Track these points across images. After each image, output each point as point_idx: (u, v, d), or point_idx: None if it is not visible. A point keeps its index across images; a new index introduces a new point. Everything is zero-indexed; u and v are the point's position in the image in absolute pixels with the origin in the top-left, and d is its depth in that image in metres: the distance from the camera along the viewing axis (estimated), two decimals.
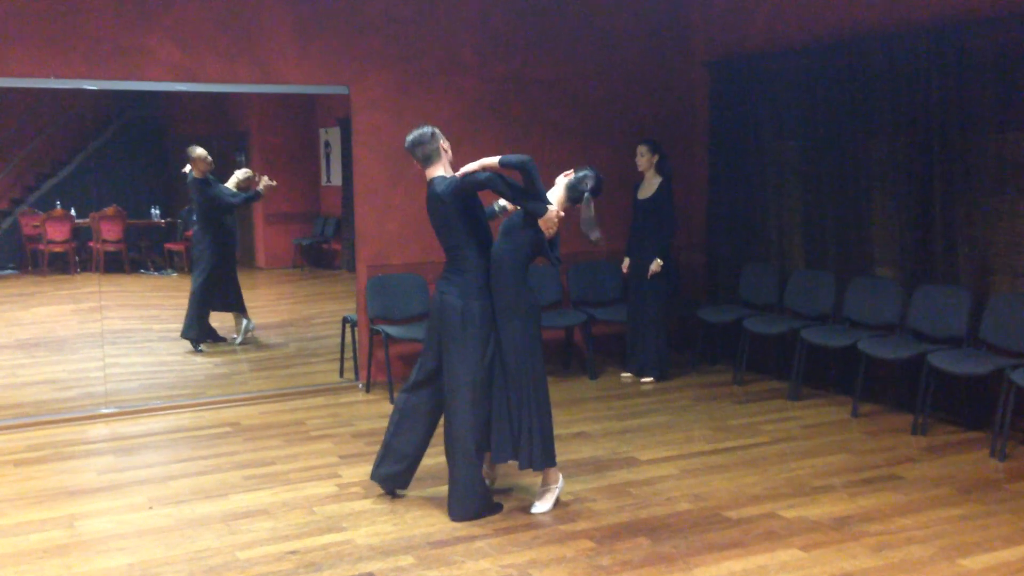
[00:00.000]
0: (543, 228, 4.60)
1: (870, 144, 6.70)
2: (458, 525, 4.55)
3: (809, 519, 4.59)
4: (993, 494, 4.91)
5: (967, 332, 5.96)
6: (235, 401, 6.81)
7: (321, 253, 13.54)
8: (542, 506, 4.73)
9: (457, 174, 4.59)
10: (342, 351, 7.55)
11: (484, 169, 4.53)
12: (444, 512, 4.69)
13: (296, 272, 13.33)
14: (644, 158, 7.23)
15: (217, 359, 8.16)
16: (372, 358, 7.18)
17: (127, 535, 4.48)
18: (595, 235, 4.69)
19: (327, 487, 5.11)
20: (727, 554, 4.20)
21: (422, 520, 4.63)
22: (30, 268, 12.93)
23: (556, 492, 4.79)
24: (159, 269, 13.43)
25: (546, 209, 4.55)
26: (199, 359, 8.11)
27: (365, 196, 7.26)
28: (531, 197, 4.55)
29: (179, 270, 13.28)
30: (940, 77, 6.10)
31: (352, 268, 12.26)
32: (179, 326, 9.73)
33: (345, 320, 7.57)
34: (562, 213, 4.65)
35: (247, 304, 9.25)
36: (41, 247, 12.99)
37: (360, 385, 7.22)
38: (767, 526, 4.51)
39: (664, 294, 7.21)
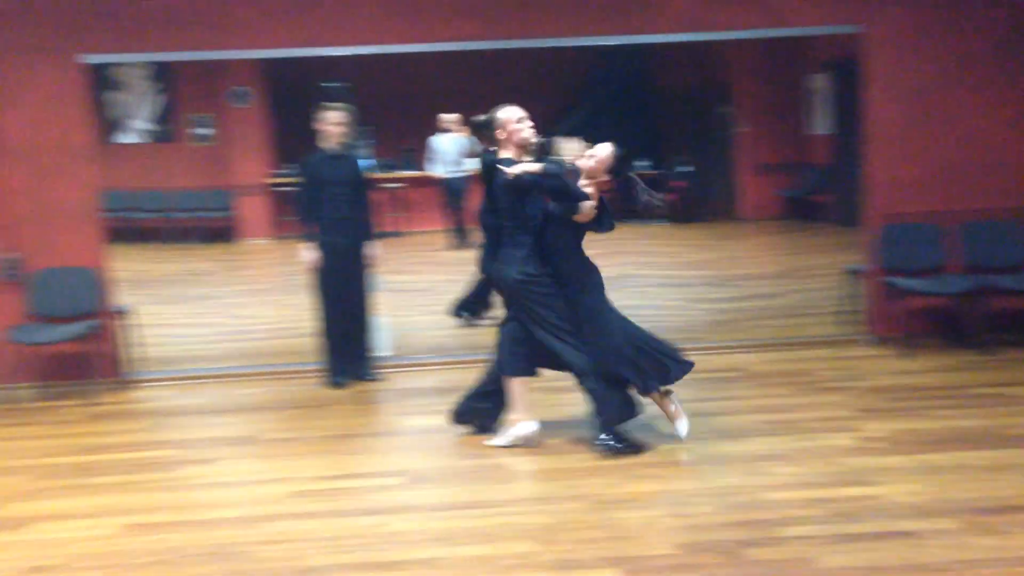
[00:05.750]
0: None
1: None
2: (1005, 495, 4.17)
3: None
4: None
5: None
6: (739, 348, 6.88)
7: (807, 205, 13.22)
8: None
9: (510, 171, 4.72)
10: (845, 304, 7.28)
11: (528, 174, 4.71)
12: (986, 479, 4.34)
13: (781, 224, 13.17)
14: None
15: (716, 307, 8.29)
16: (882, 312, 6.83)
17: (657, 464, 4.73)
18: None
19: (846, 439, 4.97)
20: None
21: (960, 484, 4.31)
22: None
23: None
24: (644, 218, 14.05)
25: (579, 209, 4.74)
26: (699, 305, 8.32)
27: (878, 142, 6.85)
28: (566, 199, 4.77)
29: (668, 219, 13.80)
30: None
31: (842, 221, 11.77)
32: (674, 273, 10.10)
33: (848, 271, 7.27)
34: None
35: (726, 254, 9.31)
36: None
37: (867, 339, 6.91)
38: None
39: None
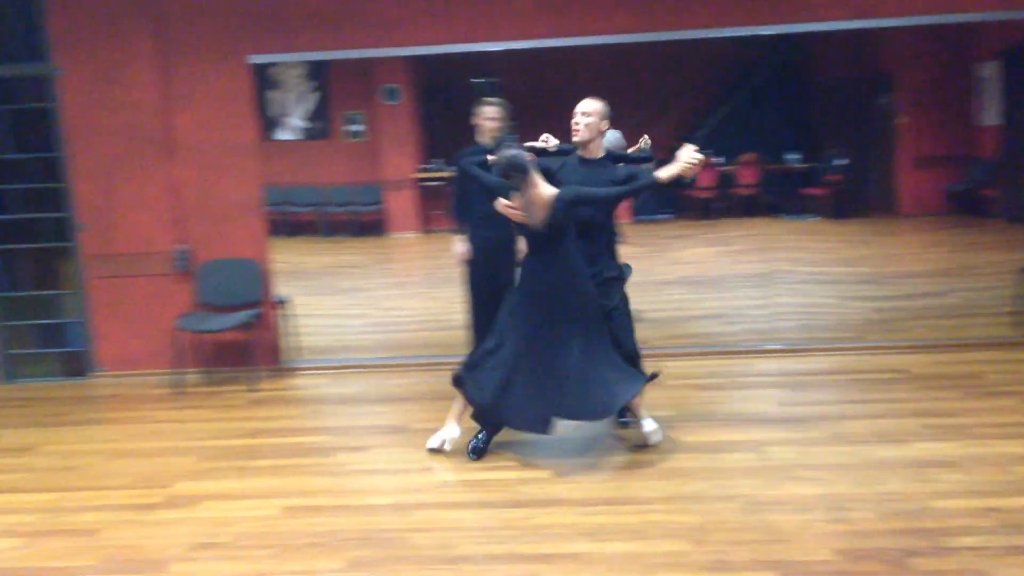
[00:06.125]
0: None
1: None
2: None
3: None
4: None
5: None
6: (900, 348, 6.56)
7: (973, 200, 12.50)
8: None
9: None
10: (1019, 304, 6.85)
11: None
12: None
13: (944, 219, 12.52)
14: None
15: (874, 305, 7.95)
16: None
17: (813, 466, 4.57)
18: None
19: (1021, 447, 4.67)
20: None
21: None
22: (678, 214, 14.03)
23: None
24: (795, 213, 13.62)
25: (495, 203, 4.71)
26: (854, 303, 7.99)
27: None
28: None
29: (821, 214, 13.33)
30: None
31: (1012, 216, 11.10)
32: (822, 269, 9.75)
33: (1022, 270, 6.84)
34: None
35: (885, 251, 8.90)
36: (692, 193, 13.93)
37: None
38: None
39: None
